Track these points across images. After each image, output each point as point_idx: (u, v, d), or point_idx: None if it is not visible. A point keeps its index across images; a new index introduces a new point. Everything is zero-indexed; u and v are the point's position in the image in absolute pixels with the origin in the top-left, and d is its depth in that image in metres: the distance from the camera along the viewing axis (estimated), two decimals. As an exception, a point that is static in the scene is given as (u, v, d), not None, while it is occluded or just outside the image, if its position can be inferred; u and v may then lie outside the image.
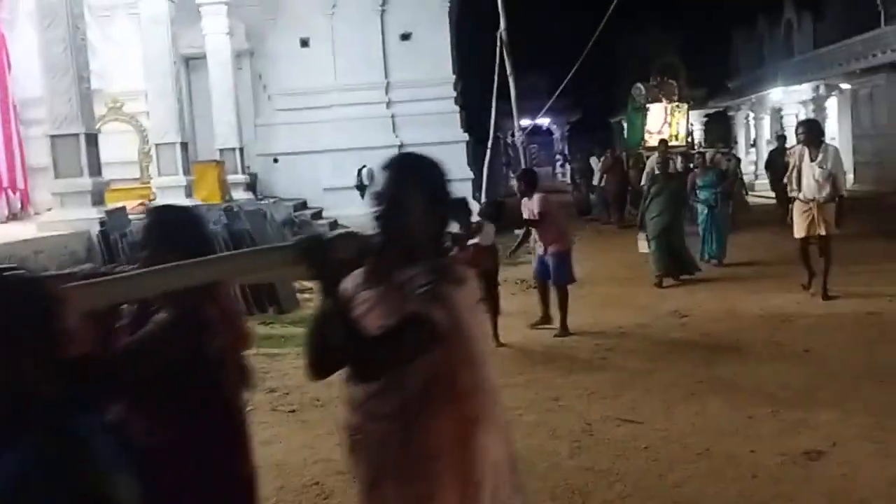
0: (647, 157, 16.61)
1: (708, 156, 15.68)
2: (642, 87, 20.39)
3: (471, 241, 7.41)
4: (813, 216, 8.84)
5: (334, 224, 17.85)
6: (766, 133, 29.49)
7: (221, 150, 16.79)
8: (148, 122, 15.16)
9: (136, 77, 15.30)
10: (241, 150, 17.34)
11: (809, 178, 8.78)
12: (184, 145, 14.05)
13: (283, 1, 18.89)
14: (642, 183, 15.24)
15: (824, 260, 8.98)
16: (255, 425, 5.72)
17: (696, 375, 6.53)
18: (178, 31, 14.55)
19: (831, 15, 27.05)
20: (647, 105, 20.21)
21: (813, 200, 8.81)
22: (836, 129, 24.43)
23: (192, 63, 18.36)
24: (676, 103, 20.26)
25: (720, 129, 32.35)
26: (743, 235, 13.77)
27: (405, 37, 19.21)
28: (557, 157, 48.39)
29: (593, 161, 21.88)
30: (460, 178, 19.00)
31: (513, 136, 13.73)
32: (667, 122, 20.26)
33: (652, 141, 18.74)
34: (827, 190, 8.75)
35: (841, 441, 4.94)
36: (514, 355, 7.60)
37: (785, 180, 9.43)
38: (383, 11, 19.13)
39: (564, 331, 8.30)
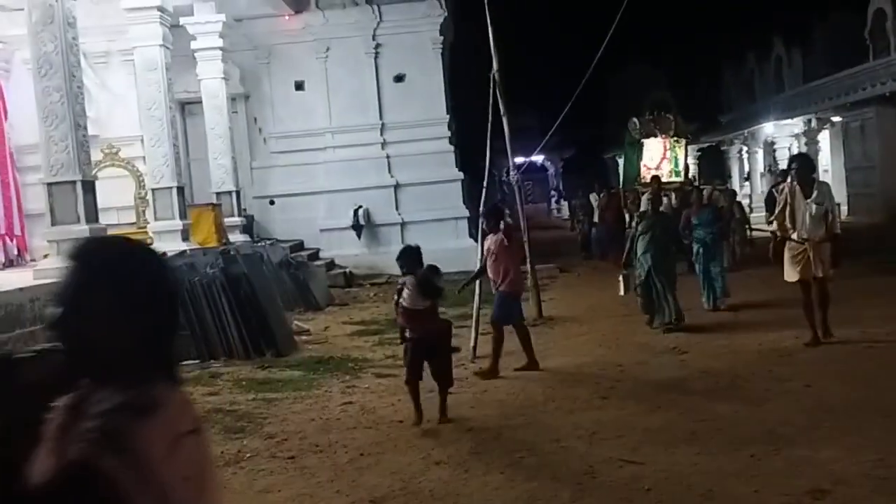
0: (643, 194, 16.34)
1: (706, 192, 15.43)
2: (637, 121, 19.80)
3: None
4: (808, 257, 8.27)
5: (331, 264, 17.87)
6: (760, 166, 29.72)
7: (218, 194, 16.85)
8: (144, 167, 15.23)
9: (132, 122, 15.44)
10: (238, 192, 17.41)
11: (804, 217, 8.25)
12: (180, 189, 14.10)
13: (278, 45, 19.11)
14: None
15: (821, 303, 8.47)
16: (253, 472, 5.70)
17: (698, 414, 6.50)
18: (173, 76, 14.67)
19: (820, 49, 27.44)
20: (642, 140, 19.57)
21: (808, 240, 8.26)
22: (828, 162, 24.62)
23: (187, 107, 18.51)
24: (675, 137, 19.62)
25: (713, 164, 32.58)
26: (745, 272, 13.70)
27: (399, 78, 19.41)
28: (552, 193, 48.65)
29: (593, 198, 21.95)
30: (456, 217, 19.13)
31: (508, 173, 13.68)
32: (666, 158, 19.72)
33: (649, 174, 18.59)
34: (823, 229, 8.28)
35: (844, 479, 4.90)
36: (512, 396, 7.56)
37: (772, 218, 8.97)
38: (377, 54, 19.36)
39: (493, 373, 8.26)
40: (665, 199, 15.17)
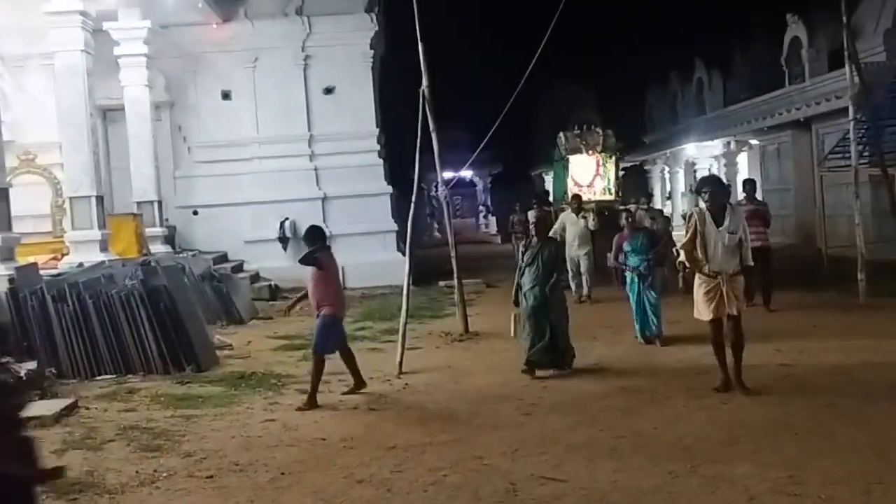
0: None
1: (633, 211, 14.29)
2: (564, 136, 18.62)
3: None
4: (721, 292, 7.37)
5: (256, 276, 17.61)
6: (681, 186, 30.48)
7: (139, 203, 16.47)
8: (62, 175, 14.79)
9: (50, 128, 14.98)
10: (160, 202, 17.05)
11: (717, 247, 7.40)
12: (99, 198, 13.74)
13: (205, 54, 18.81)
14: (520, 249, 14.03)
15: (735, 343, 7.53)
16: (170, 493, 5.55)
17: (618, 429, 6.59)
18: (95, 82, 14.32)
19: (740, 74, 28.42)
20: (568, 156, 18.29)
21: (720, 274, 7.38)
22: (746, 184, 25.35)
23: (109, 114, 18.07)
24: (604, 153, 18.22)
25: (636, 183, 33.26)
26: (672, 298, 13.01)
27: (328, 91, 19.32)
28: (481, 208, 48.94)
29: (531, 215, 21.86)
30: (384, 230, 19.08)
31: (437, 188, 13.71)
32: (599, 174, 18.25)
33: (580, 194, 16.93)
34: (737, 260, 7.47)
35: (757, 495, 5.02)
36: (437, 412, 7.54)
37: (679, 248, 7.85)
38: (306, 66, 19.25)
39: (311, 403, 7.77)
40: (582, 221, 14.76)
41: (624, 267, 10.60)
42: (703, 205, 7.63)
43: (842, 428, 6.30)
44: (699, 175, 28.85)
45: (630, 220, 11.14)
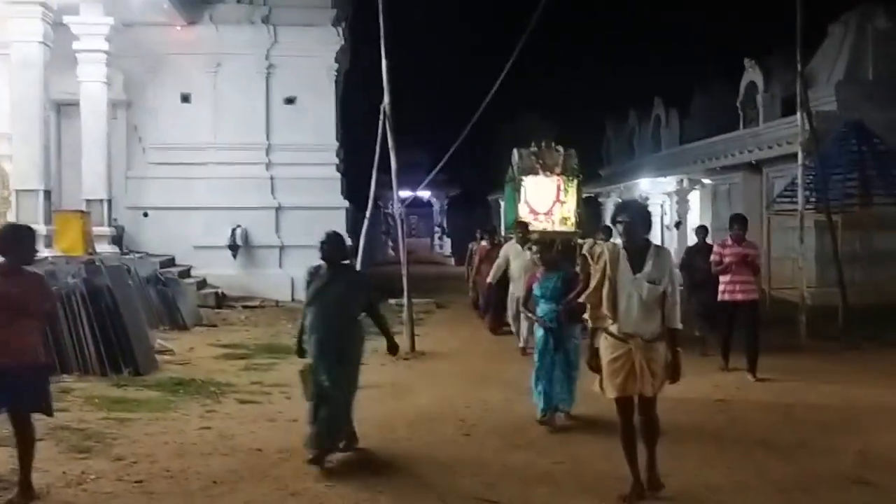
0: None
1: (585, 248, 10.34)
2: (518, 153, 15.51)
3: None
4: (633, 363, 5.37)
5: (203, 283, 17.39)
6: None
7: (88, 201, 16.18)
8: (10, 167, 14.46)
9: (1, 119, 14.64)
10: (110, 201, 16.77)
11: (630, 301, 5.39)
12: (47, 193, 13.50)
13: (167, 55, 18.64)
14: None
15: (647, 433, 5.56)
16: (97, 496, 5.42)
17: (555, 455, 6.62)
18: (51, 75, 14.10)
19: (697, 114, 29.04)
20: (521, 177, 15.18)
21: (633, 337, 5.38)
22: (697, 221, 25.82)
23: (64, 109, 17.77)
24: (567, 176, 15.21)
25: (591, 215, 33.61)
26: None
27: (289, 100, 19.26)
28: (436, 229, 49.11)
29: (475, 245, 21.37)
30: (337, 245, 18.96)
31: (392, 206, 13.59)
32: (559, 201, 15.14)
33: (536, 222, 14.55)
34: (658, 320, 5.45)
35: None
36: (376, 430, 7.50)
37: (582, 299, 5.78)
38: (269, 74, 19.18)
39: (24, 498, 5.30)
40: (527, 253, 11.88)
41: (531, 317, 8.41)
42: (618, 240, 5.66)
43: (774, 465, 6.41)
44: (652, 211, 29.30)
45: (541, 255, 8.49)
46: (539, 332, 7.97)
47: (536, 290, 8.01)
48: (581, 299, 5.85)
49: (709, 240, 12.02)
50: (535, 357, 7.90)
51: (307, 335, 6.45)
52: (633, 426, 5.53)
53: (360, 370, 6.69)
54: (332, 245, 6.49)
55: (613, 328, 5.44)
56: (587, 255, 5.91)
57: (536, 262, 9.23)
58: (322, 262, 6.50)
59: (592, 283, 5.57)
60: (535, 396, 7.78)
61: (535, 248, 11.01)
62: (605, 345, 5.51)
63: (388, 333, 7.02)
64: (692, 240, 13.31)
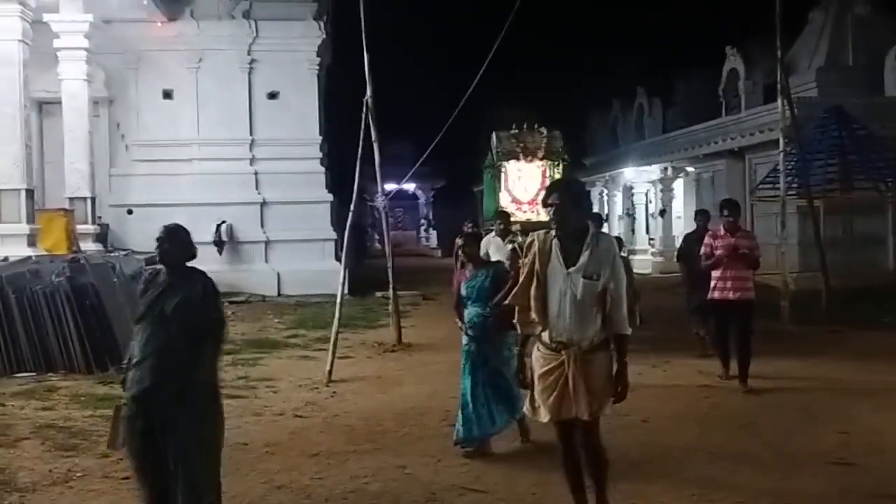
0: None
1: (528, 239, 7.07)
2: (497, 136, 14.01)
3: None
4: (566, 378, 4.39)
5: (189, 280, 17.34)
6: (619, 209, 31.01)
7: (72, 199, 16.13)
8: (-9, 166, 14.36)
9: (-18, 118, 14.53)
10: (93, 199, 16.72)
11: (563, 301, 4.41)
12: (29, 192, 13.44)
13: (148, 52, 18.57)
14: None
15: (591, 463, 4.65)
16: (83, 493, 5.44)
17: (539, 443, 6.66)
18: (31, 73, 14.02)
19: (679, 102, 29.12)
20: (501, 162, 13.68)
21: (567, 346, 4.40)
22: (682, 209, 25.97)
23: (45, 107, 17.69)
24: (552, 160, 13.75)
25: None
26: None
27: (272, 95, 19.23)
28: (422, 221, 49.06)
29: (460, 239, 21.66)
30: (324, 238, 19.00)
31: (378, 198, 13.59)
32: (545, 188, 11.25)
33: (519, 212, 13.20)
34: (596, 325, 4.42)
35: (670, 511, 5.14)
36: (364, 422, 7.54)
37: (509, 300, 4.70)
38: (251, 69, 19.14)
39: None
40: (509, 246, 9.28)
41: (457, 323, 6.96)
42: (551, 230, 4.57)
43: (755, 448, 6.49)
44: (636, 199, 29.47)
45: (464, 248, 6.88)
46: (463, 341, 6.72)
47: (464, 288, 6.70)
48: (507, 301, 4.75)
49: (711, 226, 10.30)
50: (461, 376, 6.73)
51: (136, 361, 4.57)
52: (575, 453, 4.62)
53: (218, 419, 4.73)
54: (172, 243, 4.72)
55: (545, 335, 4.47)
56: (516, 247, 4.96)
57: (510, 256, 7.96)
58: (160, 266, 4.73)
59: (520, 283, 4.59)
60: (457, 428, 6.50)
61: (518, 238, 9.36)
62: (535, 356, 4.55)
63: (213, 373, 4.64)
64: (678, 228, 13.10)
